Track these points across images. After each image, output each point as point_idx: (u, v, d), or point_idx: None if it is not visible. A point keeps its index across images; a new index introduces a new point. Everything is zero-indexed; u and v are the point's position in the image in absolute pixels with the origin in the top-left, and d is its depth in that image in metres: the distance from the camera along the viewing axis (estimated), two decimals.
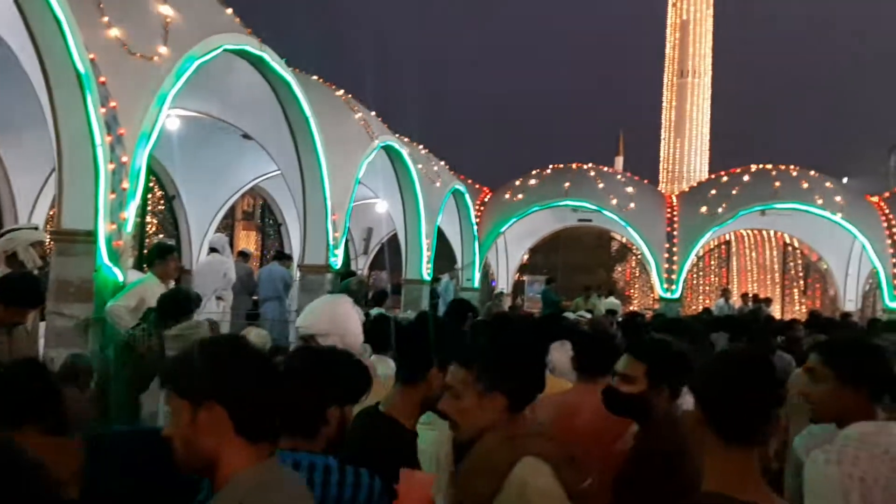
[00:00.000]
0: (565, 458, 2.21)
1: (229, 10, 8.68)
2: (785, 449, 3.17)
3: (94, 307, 6.55)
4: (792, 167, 19.03)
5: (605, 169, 21.60)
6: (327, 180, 10.50)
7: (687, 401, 2.90)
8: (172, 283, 7.20)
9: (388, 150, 13.31)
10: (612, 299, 18.27)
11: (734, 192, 18.56)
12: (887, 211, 18.16)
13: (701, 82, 43.50)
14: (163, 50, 7.19)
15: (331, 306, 3.47)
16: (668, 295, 18.45)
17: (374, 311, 8.07)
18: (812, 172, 18.89)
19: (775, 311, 22.52)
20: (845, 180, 23.32)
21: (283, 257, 12.69)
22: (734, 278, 27.81)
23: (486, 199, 20.50)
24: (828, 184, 18.39)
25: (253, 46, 8.69)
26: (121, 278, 6.79)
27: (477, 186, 20.54)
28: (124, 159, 6.79)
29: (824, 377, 2.52)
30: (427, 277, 15.40)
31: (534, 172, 20.67)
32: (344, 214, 11.24)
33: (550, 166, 20.81)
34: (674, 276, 18.53)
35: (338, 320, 3.37)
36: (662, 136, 45.00)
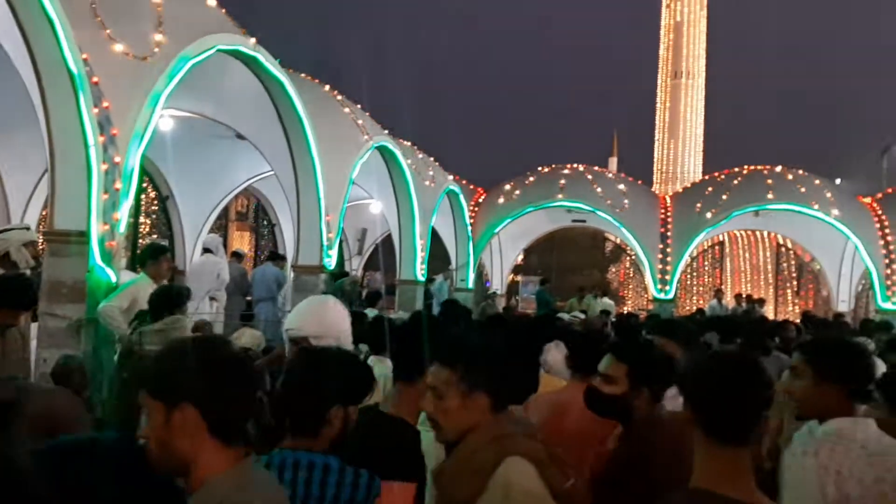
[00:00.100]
0: (550, 458, 2.21)
1: (223, 11, 8.67)
2: (777, 448, 3.19)
3: (87, 308, 6.53)
4: (785, 168, 19.09)
5: (600, 170, 21.62)
6: (321, 181, 10.48)
7: (670, 403, 2.92)
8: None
9: (382, 150, 13.30)
10: (606, 300, 18.29)
11: (728, 193, 18.57)
12: (880, 212, 18.24)
13: (695, 83, 43.61)
14: (156, 50, 7.18)
15: (322, 308, 3.45)
16: (662, 296, 18.47)
17: (370, 312, 8.07)
18: (805, 174, 18.95)
19: (768, 311, 22.57)
20: (838, 181, 23.44)
21: (277, 258, 12.66)
22: (728, 279, 27.93)
23: (480, 200, 20.50)
24: (821, 185, 18.45)
25: (246, 47, 8.68)
26: (114, 279, 6.77)
27: (471, 187, 20.56)
28: (117, 160, 6.78)
29: (805, 375, 2.62)
30: (421, 278, 15.39)
31: (528, 173, 20.69)
32: (338, 215, 11.23)
33: (545, 167, 20.83)
34: (668, 277, 18.55)
35: (331, 322, 3.35)
36: (656, 137, 45.14)
